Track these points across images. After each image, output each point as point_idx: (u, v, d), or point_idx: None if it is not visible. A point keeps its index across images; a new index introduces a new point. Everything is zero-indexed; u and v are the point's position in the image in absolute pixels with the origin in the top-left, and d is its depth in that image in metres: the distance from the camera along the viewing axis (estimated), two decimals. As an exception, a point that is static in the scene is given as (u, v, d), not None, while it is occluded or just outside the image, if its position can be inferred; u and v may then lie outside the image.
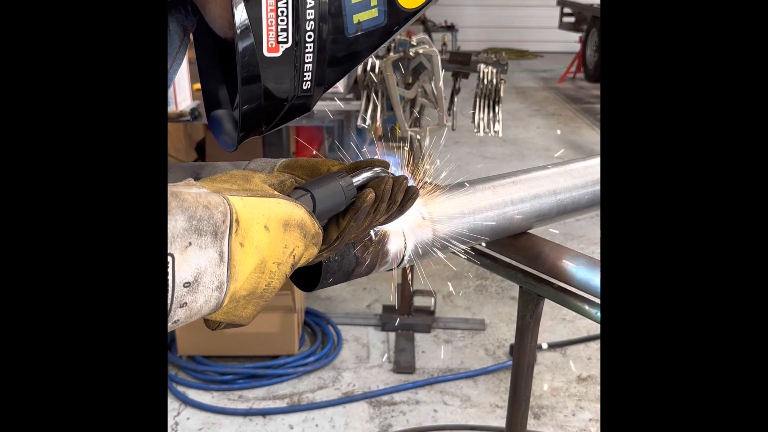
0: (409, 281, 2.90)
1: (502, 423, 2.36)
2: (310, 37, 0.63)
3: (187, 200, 0.52)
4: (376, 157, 0.71)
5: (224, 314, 0.57)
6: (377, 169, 0.66)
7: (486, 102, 2.54)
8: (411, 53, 2.40)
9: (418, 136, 2.49)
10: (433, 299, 3.02)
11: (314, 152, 4.20)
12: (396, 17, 0.66)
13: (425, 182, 0.77)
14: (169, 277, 0.49)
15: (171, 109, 2.81)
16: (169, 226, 0.49)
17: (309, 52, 0.64)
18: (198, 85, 3.00)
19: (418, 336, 2.89)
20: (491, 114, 2.54)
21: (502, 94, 2.53)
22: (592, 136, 6.31)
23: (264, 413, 2.41)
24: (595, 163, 0.94)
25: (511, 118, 6.73)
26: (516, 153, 5.77)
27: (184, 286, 0.51)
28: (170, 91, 2.79)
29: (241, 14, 0.60)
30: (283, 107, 0.67)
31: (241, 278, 0.55)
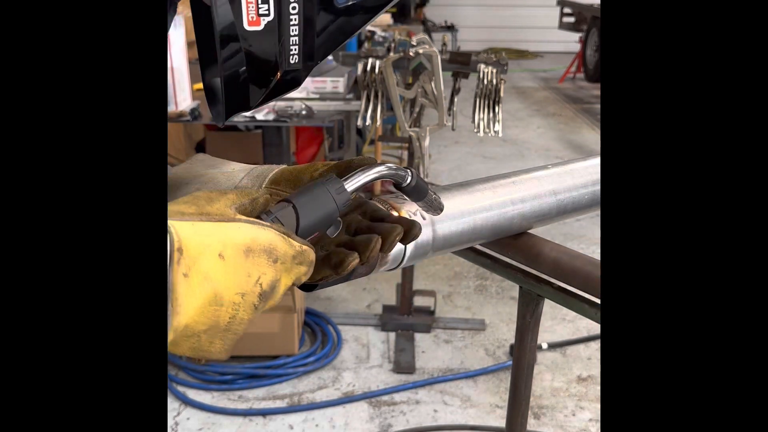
0: (409, 281, 2.88)
1: (502, 423, 2.36)
2: (294, 8, 0.59)
3: None
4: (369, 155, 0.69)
5: (191, 350, 0.52)
6: (371, 172, 0.63)
7: (486, 102, 2.54)
8: (411, 53, 2.40)
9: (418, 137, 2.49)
10: (433, 299, 3.02)
11: (314, 152, 4.20)
12: None
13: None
14: None
15: (171, 109, 2.81)
16: None
17: (294, 25, 0.60)
18: (198, 85, 3.00)
19: (418, 336, 2.89)
20: (491, 114, 2.54)
21: (502, 94, 2.53)
22: (592, 136, 6.31)
23: (264, 413, 2.41)
24: (595, 163, 0.94)
25: (511, 118, 6.73)
26: (516, 153, 5.77)
27: None
28: (170, 91, 2.79)
29: None
30: (270, 82, 0.63)
31: (188, 312, 0.49)
